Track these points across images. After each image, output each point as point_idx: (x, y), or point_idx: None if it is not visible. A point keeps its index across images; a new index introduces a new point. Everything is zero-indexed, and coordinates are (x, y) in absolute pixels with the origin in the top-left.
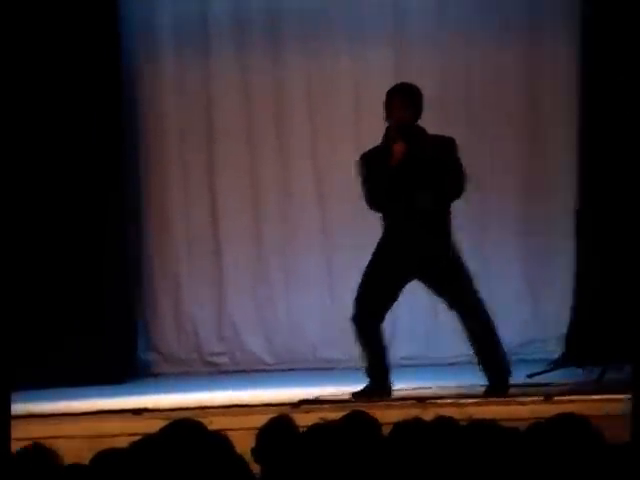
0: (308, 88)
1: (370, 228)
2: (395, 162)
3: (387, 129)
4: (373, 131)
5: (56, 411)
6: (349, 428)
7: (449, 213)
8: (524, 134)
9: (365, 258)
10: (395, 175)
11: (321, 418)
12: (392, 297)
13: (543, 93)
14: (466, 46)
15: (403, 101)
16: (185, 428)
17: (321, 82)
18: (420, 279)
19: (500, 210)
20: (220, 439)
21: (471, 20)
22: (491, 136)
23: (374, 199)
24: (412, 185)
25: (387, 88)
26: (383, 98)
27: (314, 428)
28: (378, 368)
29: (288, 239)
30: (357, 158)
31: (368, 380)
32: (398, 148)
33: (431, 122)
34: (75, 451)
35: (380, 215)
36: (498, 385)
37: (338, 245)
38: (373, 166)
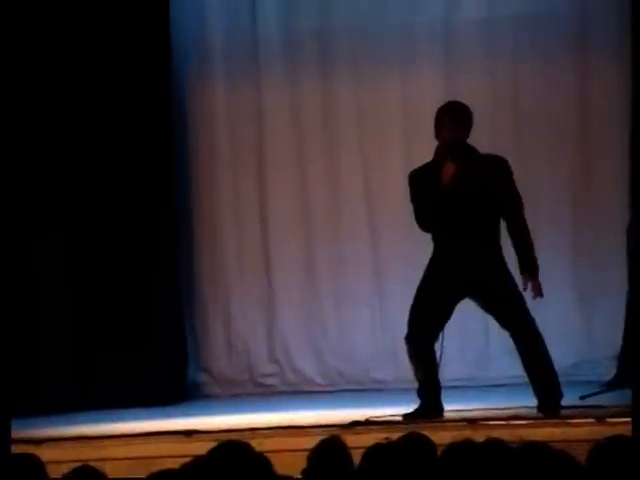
0: (358, 110)
1: (420, 248)
2: (445, 183)
3: (437, 148)
4: (423, 153)
5: (106, 433)
6: (406, 449)
7: (498, 228)
8: (575, 151)
9: (415, 278)
10: (444, 195)
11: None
12: (445, 316)
13: (594, 109)
14: (515, 65)
15: (453, 120)
16: (233, 449)
17: (371, 104)
18: (471, 297)
19: (550, 228)
20: (265, 461)
21: (519, 38)
22: (540, 148)
23: (423, 219)
24: (462, 205)
25: (436, 108)
26: (433, 118)
27: (371, 449)
28: (430, 389)
29: (338, 259)
30: (406, 176)
31: (419, 401)
32: (448, 169)
33: (480, 142)
34: (124, 474)
35: (430, 235)
36: (549, 405)
37: (388, 265)
38: (422, 185)
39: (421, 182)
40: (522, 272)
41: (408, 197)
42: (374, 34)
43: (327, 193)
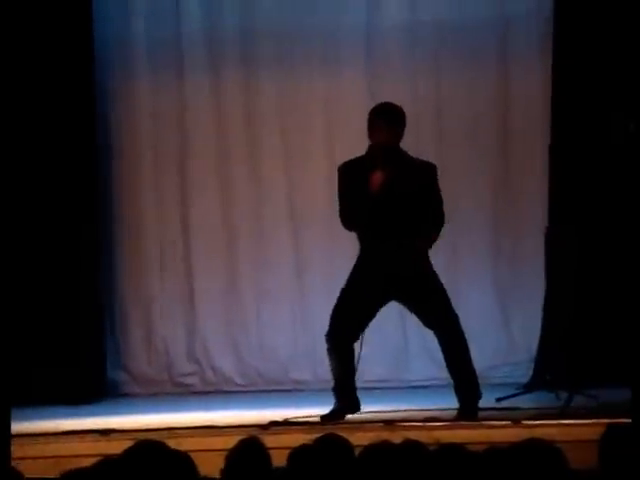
0: (281, 110)
1: (341, 249)
2: (374, 189)
3: (370, 147)
4: (345, 153)
5: (21, 431)
6: (323, 451)
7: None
8: (496, 157)
9: (336, 279)
10: (372, 200)
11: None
12: (367, 317)
13: (515, 114)
14: (437, 69)
15: (386, 122)
16: (148, 449)
17: (294, 104)
18: (398, 299)
19: (471, 233)
20: (184, 460)
21: (441, 43)
22: (461, 156)
23: (349, 218)
24: (390, 209)
25: (360, 109)
26: (356, 119)
27: (292, 451)
28: (346, 388)
29: (260, 261)
30: (329, 176)
31: (335, 401)
32: (377, 175)
33: (402, 146)
34: (39, 473)
35: (355, 235)
36: (468, 409)
37: (310, 267)
38: (351, 182)
39: (350, 179)
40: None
41: (330, 198)
42: (298, 34)
43: (249, 193)
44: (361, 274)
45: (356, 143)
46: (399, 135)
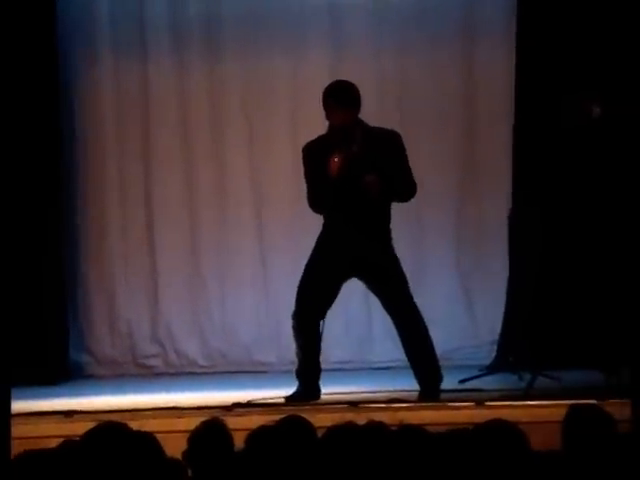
0: (245, 91)
1: (305, 231)
2: (333, 174)
3: (329, 126)
4: (310, 133)
5: None
6: (286, 432)
7: (389, 213)
8: (460, 141)
9: (300, 261)
10: (334, 182)
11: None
12: (331, 294)
13: (479, 100)
14: (400, 53)
15: (339, 103)
16: (111, 430)
17: (258, 88)
18: (358, 277)
19: (434, 212)
20: (147, 440)
21: (407, 21)
22: (425, 136)
23: (316, 199)
24: (353, 189)
25: (320, 89)
26: (319, 102)
27: (251, 432)
28: (310, 370)
29: (223, 242)
30: (293, 160)
31: (298, 382)
32: (334, 162)
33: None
34: None
35: (315, 217)
36: (430, 390)
37: (274, 250)
38: (315, 162)
39: (312, 161)
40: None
41: (294, 182)
42: (261, 17)
43: (213, 178)
44: (323, 251)
45: (321, 126)
46: (355, 112)
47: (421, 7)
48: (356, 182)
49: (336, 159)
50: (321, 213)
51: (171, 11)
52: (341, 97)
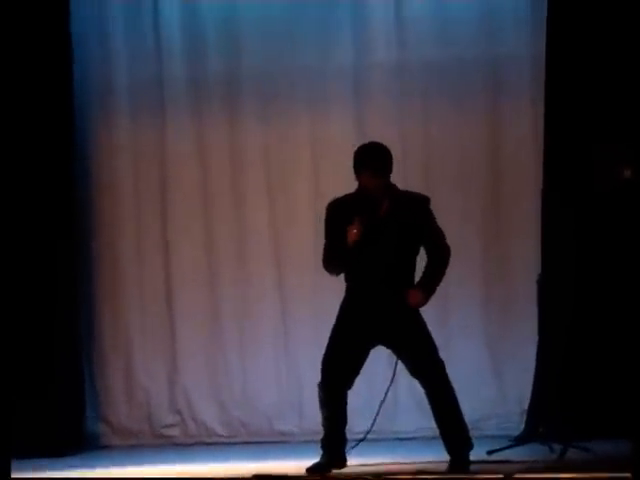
0: (265, 150)
1: (328, 293)
2: (350, 244)
3: (359, 187)
4: (332, 193)
5: None
6: None
7: (413, 274)
8: (486, 201)
9: (323, 327)
10: (352, 250)
11: None
12: (358, 363)
13: (505, 159)
14: (426, 107)
15: (372, 171)
16: None
17: (278, 144)
18: (385, 343)
19: (460, 276)
20: None
21: (432, 81)
22: (451, 203)
23: (328, 264)
24: (378, 248)
25: (347, 151)
26: (343, 162)
27: None
28: (335, 440)
29: (244, 308)
30: (315, 222)
31: (322, 453)
32: (353, 233)
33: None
34: None
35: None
36: (460, 458)
37: (295, 312)
38: (334, 225)
39: (334, 221)
40: (417, 286)
41: (316, 242)
42: (283, 77)
43: (233, 238)
44: (348, 318)
45: (342, 186)
46: (386, 179)
47: (445, 66)
48: (380, 247)
49: (355, 230)
50: (332, 274)
51: (190, 69)
52: (373, 164)
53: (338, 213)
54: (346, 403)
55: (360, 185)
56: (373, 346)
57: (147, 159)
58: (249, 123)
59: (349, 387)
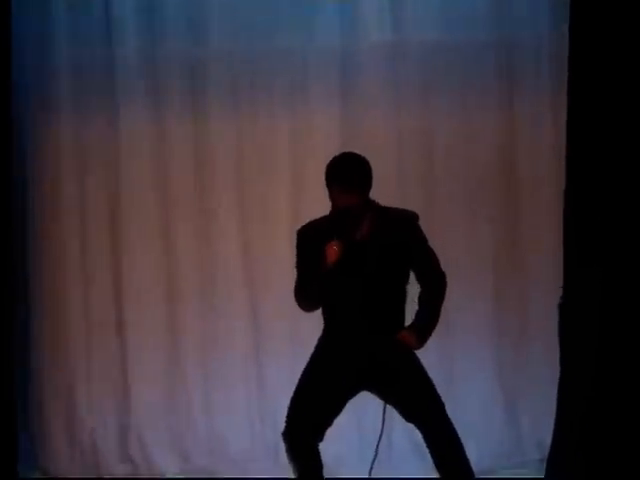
0: (237, 153)
1: (309, 324)
2: (329, 263)
3: (332, 208)
4: (314, 209)
5: None
6: None
7: (404, 305)
8: (497, 210)
9: (302, 359)
10: (332, 274)
11: None
12: (332, 412)
13: (521, 162)
14: (426, 99)
15: (346, 184)
16: None
17: (252, 145)
18: (371, 389)
19: (467, 302)
20: None
21: (431, 69)
22: (456, 213)
23: (303, 298)
24: (356, 286)
25: (331, 151)
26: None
27: None
28: None
29: (209, 336)
30: (292, 240)
31: None
32: (333, 249)
33: (383, 194)
34: None
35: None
36: None
37: (270, 346)
38: (306, 252)
39: (306, 248)
40: (410, 328)
41: (293, 263)
42: (257, 61)
43: (197, 254)
44: (324, 360)
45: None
46: (362, 195)
47: (449, 49)
48: (360, 275)
49: (335, 247)
50: (307, 309)
51: (147, 50)
52: (346, 180)
53: (311, 238)
54: (319, 454)
55: (333, 204)
56: (353, 394)
57: (95, 158)
58: (217, 116)
59: (319, 440)
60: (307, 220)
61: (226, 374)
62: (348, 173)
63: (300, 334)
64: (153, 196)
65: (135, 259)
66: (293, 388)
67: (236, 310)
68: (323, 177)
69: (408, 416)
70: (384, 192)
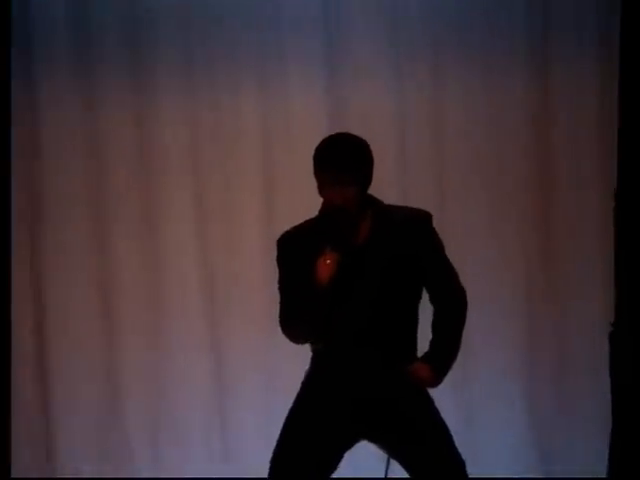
0: (192, 139)
1: (285, 361)
2: (323, 282)
3: (322, 206)
4: (289, 209)
5: None
6: None
7: (414, 333)
8: (531, 207)
9: (276, 408)
10: (327, 293)
11: None
12: (326, 468)
13: (560, 144)
14: (436, 72)
15: (337, 174)
16: None
17: (212, 130)
18: (370, 438)
19: (489, 337)
20: None
21: (445, 32)
22: (471, 214)
23: (292, 326)
24: (354, 305)
25: (315, 139)
26: (307, 155)
27: None
28: None
29: (160, 379)
30: (264, 251)
31: None
32: (326, 264)
33: (381, 193)
34: None
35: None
36: None
37: (234, 388)
38: (295, 264)
39: (294, 258)
40: (424, 360)
41: (265, 274)
42: (217, 24)
43: (143, 269)
44: (313, 402)
45: (311, 196)
46: (360, 188)
47: (466, 6)
48: (359, 292)
49: (328, 261)
50: (299, 340)
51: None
52: (337, 167)
53: (295, 248)
54: None
55: (324, 201)
56: (351, 444)
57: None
58: (166, 95)
59: None
60: (285, 227)
61: (183, 421)
62: (340, 158)
63: (275, 371)
64: (80, 200)
65: (51, 279)
66: (264, 444)
67: (193, 339)
68: (304, 160)
69: (417, 474)
70: (382, 187)
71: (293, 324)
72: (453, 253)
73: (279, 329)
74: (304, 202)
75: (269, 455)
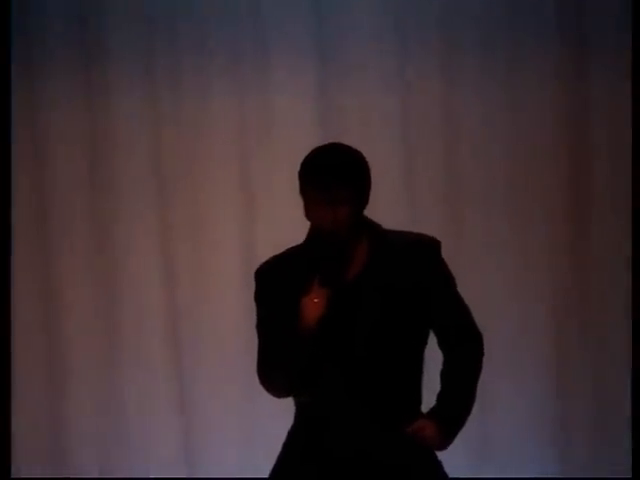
0: (155, 142)
1: (263, 412)
2: (311, 325)
3: (310, 233)
4: (270, 226)
5: None
6: None
7: (418, 386)
8: (562, 221)
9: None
10: (315, 338)
11: None
12: None
13: (587, 150)
14: (449, 67)
15: (326, 194)
16: None
17: (178, 131)
18: None
19: (505, 367)
20: None
21: (461, 20)
22: (484, 230)
23: (274, 379)
24: (353, 339)
25: (305, 145)
26: (293, 164)
27: None
28: None
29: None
30: (243, 282)
31: None
32: (314, 303)
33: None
34: None
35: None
36: None
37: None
38: (276, 302)
39: (276, 294)
40: (431, 416)
41: (244, 310)
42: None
43: (96, 296)
44: (298, 462)
45: (289, 221)
46: (354, 208)
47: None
48: (353, 335)
49: (315, 299)
50: (280, 393)
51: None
52: (325, 183)
53: (277, 282)
54: None
55: (311, 225)
56: None
57: None
58: (120, 90)
59: None
60: (267, 255)
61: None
62: (330, 173)
63: (251, 426)
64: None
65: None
66: None
67: (157, 378)
68: (290, 172)
69: None
70: (382, 208)
71: (274, 375)
72: (462, 278)
73: (257, 380)
74: (288, 226)
75: None
